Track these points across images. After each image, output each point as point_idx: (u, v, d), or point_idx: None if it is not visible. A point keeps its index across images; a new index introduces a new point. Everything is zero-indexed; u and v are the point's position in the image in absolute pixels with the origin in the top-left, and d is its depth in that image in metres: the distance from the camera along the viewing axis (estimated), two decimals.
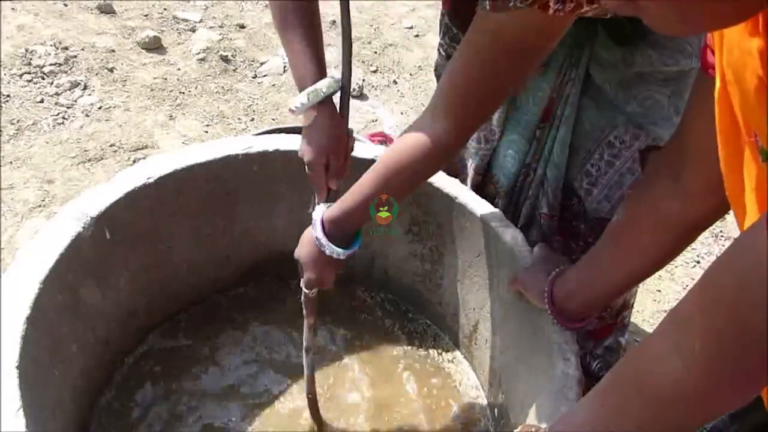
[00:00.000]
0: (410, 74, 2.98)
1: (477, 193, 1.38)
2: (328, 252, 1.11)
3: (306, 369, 1.32)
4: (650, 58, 1.08)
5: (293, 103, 1.17)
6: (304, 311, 1.27)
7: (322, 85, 1.16)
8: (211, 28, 3.02)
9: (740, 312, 0.55)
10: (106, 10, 2.98)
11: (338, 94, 1.19)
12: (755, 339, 0.54)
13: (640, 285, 1.35)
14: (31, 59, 2.60)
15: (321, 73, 1.19)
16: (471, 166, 1.38)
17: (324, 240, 1.11)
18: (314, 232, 1.12)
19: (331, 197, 1.22)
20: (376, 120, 2.69)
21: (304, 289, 1.22)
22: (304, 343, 1.31)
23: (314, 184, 1.24)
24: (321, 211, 1.13)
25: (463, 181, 1.42)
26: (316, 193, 1.26)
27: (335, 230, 1.11)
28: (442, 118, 1.00)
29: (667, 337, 0.64)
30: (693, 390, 0.61)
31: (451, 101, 0.99)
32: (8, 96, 2.44)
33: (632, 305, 1.44)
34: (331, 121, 1.19)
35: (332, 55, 2.98)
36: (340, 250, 1.11)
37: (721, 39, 0.62)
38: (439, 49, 1.34)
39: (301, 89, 1.17)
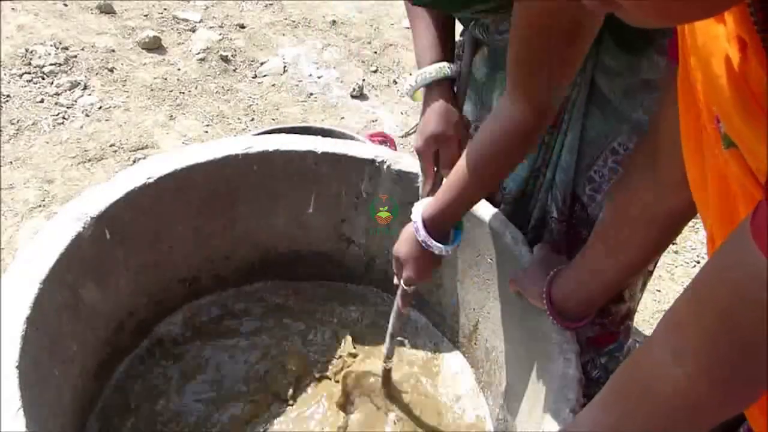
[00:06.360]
0: (410, 74, 2.97)
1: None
2: (436, 251, 1.12)
3: (385, 350, 1.34)
4: (658, 64, 1.07)
5: (404, 86, 1.16)
6: (399, 303, 1.27)
7: (432, 69, 1.17)
8: (211, 28, 3.02)
9: (736, 323, 0.55)
10: (106, 10, 2.98)
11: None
12: (754, 351, 0.54)
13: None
14: (31, 59, 2.60)
15: (438, 57, 1.18)
16: None
17: (430, 241, 1.11)
18: (418, 234, 1.12)
19: (434, 190, 1.21)
20: (376, 120, 2.69)
21: (402, 286, 1.21)
22: (390, 329, 1.32)
23: (423, 173, 1.23)
24: (420, 209, 1.14)
25: None
26: (423, 183, 1.25)
27: (436, 227, 1.12)
28: (517, 100, 0.99)
29: (665, 346, 0.64)
30: (696, 398, 0.61)
31: (520, 82, 0.98)
32: (8, 96, 2.44)
33: (635, 312, 1.42)
34: (440, 109, 1.17)
35: (332, 55, 2.99)
36: (445, 246, 1.12)
37: (684, 25, 0.61)
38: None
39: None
